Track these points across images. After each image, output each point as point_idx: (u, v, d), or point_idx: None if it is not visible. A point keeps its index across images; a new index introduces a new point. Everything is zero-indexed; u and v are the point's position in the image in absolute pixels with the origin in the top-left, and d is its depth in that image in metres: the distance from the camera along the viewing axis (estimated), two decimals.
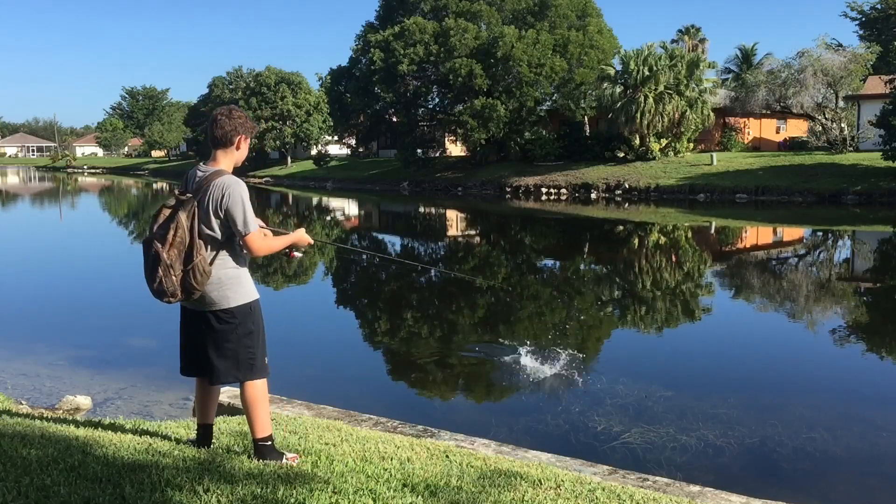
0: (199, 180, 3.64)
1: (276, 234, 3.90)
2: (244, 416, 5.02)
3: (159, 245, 3.48)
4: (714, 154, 36.05)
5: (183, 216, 3.51)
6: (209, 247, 3.59)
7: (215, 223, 3.59)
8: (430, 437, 4.90)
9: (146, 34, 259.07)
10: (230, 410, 5.50)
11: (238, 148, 3.75)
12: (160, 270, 3.47)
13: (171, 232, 3.49)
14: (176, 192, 3.68)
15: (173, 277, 3.48)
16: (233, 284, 3.68)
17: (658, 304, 12.48)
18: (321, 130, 61.84)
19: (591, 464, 4.64)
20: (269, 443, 3.78)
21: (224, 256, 3.66)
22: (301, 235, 3.89)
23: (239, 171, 3.88)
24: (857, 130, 36.33)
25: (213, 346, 3.67)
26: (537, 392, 7.40)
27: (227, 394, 5.86)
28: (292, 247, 3.92)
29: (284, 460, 3.73)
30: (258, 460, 3.72)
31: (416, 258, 19.13)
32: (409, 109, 44.54)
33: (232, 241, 3.67)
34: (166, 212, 3.58)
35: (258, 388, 3.76)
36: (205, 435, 3.97)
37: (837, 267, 17.03)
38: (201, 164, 3.75)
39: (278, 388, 6.27)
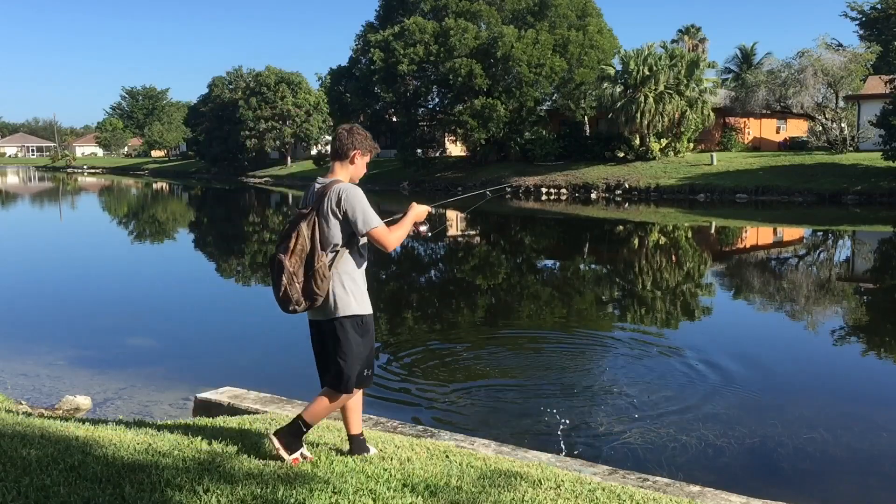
0: (317, 191, 3.80)
1: (392, 222, 3.95)
2: (244, 417, 5.06)
3: (282, 255, 3.68)
4: (714, 154, 36.05)
5: (304, 225, 3.70)
6: (329, 252, 3.73)
7: (335, 225, 3.73)
8: (430, 437, 4.90)
9: (146, 34, 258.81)
10: (230, 410, 5.51)
11: (353, 162, 3.89)
12: (284, 279, 3.65)
13: (293, 241, 3.68)
14: (298, 207, 3.84)
15: (297, 285, 3.65)
16: (354, 293, 3.79)
17: (658, 304, 12.48)
18: (321, 130, 61.79)
19: (591, 464, 4.64)
20: (362, 437, 4.05)
21: (345, 262, 3.77)
22: (416, 210, 4.00)
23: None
24: (857, 130, 36.33)
25: (340, 354, 3.77)
26: (537, 391, 7.40)
27: (228, 394, 5.87)
28: (416, 224, 3.99)
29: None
30: (353, 455, 3.93)
31: (415, 258, 19.14)
32: (409, 109, 44.52)
33: (352, 246, 3.78)
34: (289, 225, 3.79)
35: (356, 395, 3.92)
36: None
37: (837, 267, 17.03)
38: (319, 178, 3.90)
39: (278, 388, 6.29)
